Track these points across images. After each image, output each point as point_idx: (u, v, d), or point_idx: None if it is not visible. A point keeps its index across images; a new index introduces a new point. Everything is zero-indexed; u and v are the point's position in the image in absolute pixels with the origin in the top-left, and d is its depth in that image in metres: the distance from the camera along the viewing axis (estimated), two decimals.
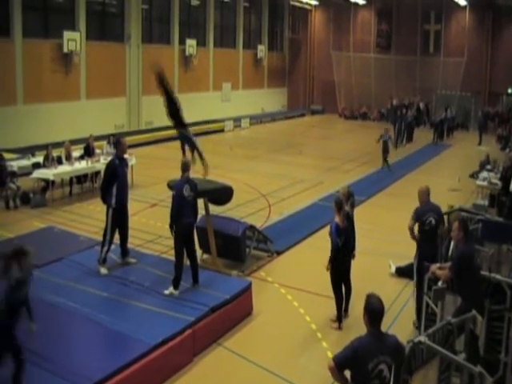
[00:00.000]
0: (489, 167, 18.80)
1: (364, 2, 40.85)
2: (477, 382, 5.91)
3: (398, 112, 31.91)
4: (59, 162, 17.38)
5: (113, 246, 10.57)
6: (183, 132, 12.01)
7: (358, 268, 9.99)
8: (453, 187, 18.21)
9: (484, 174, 17.68)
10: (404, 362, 5.50)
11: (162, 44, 32.13)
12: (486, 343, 7.50)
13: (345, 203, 9.53)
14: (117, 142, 11.26)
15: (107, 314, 8.48)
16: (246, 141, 31.03)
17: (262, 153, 26.14)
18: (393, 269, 11.63)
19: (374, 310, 5.09)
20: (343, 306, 9.48)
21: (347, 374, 5.11)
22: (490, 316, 7.46)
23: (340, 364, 5.03)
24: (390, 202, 17.78)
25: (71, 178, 17.54)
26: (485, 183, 16.70)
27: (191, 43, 33.22)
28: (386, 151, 22.51)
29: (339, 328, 9.24)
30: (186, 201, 9.47)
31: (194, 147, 11.98)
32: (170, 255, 10.67)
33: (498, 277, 7.66)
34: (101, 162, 17.08)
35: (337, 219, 9.16)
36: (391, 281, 11.34)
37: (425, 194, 9.71)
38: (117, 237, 10.66)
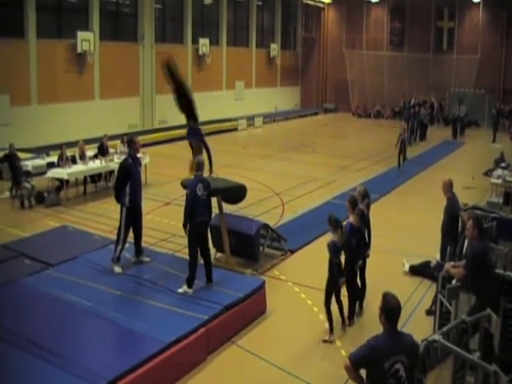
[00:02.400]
0: (503, 165, 18.68)
1: (377, 0, 40.70)
2: (492, 381, 5.88)
3: (411, 110, 31.78)
4: (73, 161, 17.48)
5: (127, 245, 10.62)
6: (193, 126, 11.96)
7: (372, 266, 9.97)
8: (467, 185, 18.10)
9: (498, 171, 17.54)
10: (418, 361, 5.48)
11: (176, 43, 32.16)
12: (501, 342, 7.46)
13: (360, 202, 9.53)
14: (130, 141, 11.26)
15: (121, 312, 8.52)
16: (259, 139, 31.04)
17: (275, 151, 26.12)
18: (406, 267, 11.59)
19: (391, 309, 5.06)
20: (356, 303, 9.49)
21: (363, 373, 5.10)
22: (504, 314, 7.42)
23: (356, 363, 5.01)
24: (404, 200, 17.73)
25: (85, 178, 17.64)
26: (499, 181, 16.57)
27: (204, 42, 33.26)
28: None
29: (349, 325, 9.24)
30: (200, 199, 9.49)
31: (204, 144, 11.93)
32: (184, 254, 10.70)
33: None
34: (114, 162, 17.15)
35: (351, 219, 9.14)
36: (405, 279, 11.30)
37: (448, 186, 10.18)
38: (131, 235, 10.71)
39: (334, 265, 8.87)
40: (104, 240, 12.11)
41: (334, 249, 8.86)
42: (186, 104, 11.86)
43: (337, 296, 9.09)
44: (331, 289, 8.94)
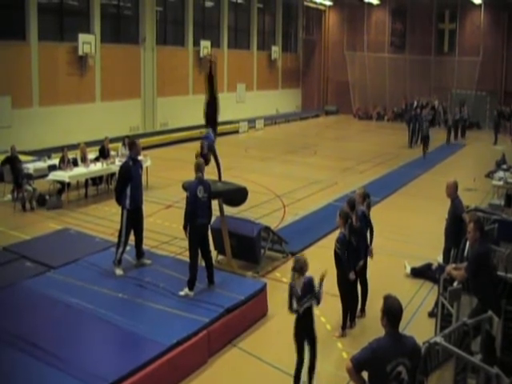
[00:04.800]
0: (505, 167, 18.67)
1: (378, 2, 40.68)
2: None
3: (413, 112, 31.77)
4: (75, 164, 17.48)
5: (128, 248, 10.62)
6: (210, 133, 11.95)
7: (373, 268, 9.97)
8: (468, 187, 18.07)
9: (500, 173, 17.55)
10: (420, 363, 5.47)
11: (177, 46, 32.22)
12: (503, 344, 7.44)
13: (360, 204, 9.53)
14: (131, 143, 11.26)
15: (122, 315, 8.52)
16: (260, 142, 31.03)
17: (276, 154, 26.12)
18: (408, 269, 11.59)
19: (393, 312, 5.05)
20: (359, 305, 9.49)
21: (365, 375, 5.09)
22: (506, 317, 7.40)
23: (358, 365, 5.01)
24: (405, 202, 17.72)
25: (87, 180, 17.65)
26: (501, 183, 16.57)
27: (205, 44, 33.26)
28: None
29: (351, 327, 9.22)
30: (201, 202, 9.50)
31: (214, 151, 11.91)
32: (185, 256, 10.69)
33: None
34: (116, 164, 17.15)
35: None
36: (406, 281, 11.30)
37: (453, 188, 10.04)
38: (132, 238, 10.71)
39: (342, 258, 8.86)
40: (105, 243, 12.12)
41: (342, 242, 8.85)
42: (211, 113, 11.86)
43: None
44: (344, 283, 8.94)
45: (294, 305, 7.29)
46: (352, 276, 8.88)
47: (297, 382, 7.29)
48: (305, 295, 7.27)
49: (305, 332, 7.32)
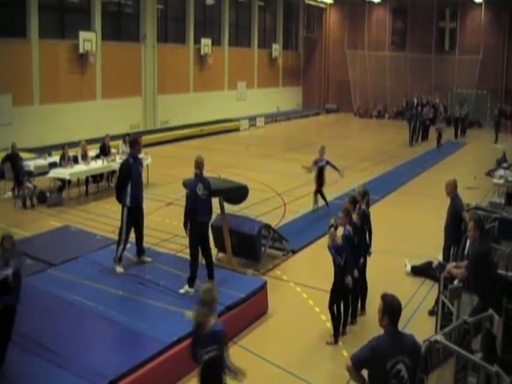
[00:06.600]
0: (505, 165, 18.67)
1: (379, 0, 40.67)
2: (494, 382, 5.86)
3: (413, 110, 31.75)
4: (75, 161, 17.47)
5: (128, 245, 10.63)
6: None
7: (374, 267, 9.97)
8: (469, 185, 18.05)
9: (500, 171, 17.55)
10: (420, 362, 5.47)
11: (178, 43, 32.20)
12: (503, 342, 7.44)
13: (360, 202, 9.52)
14: (133, 141, 11.24)
15: (123, 312, 8.53)
16: (261, 139, 31.01)
17: (277, 151, 26.11)
18: (408, 268, 11.59)
19: (392, 310, 5.05)
20: (359, 303, 9.50)
21: (365, 373, 5.09)
22: (507, 315, 7.40)
23: (358, 363, 5.01)
24: (405, 200, 17.71)
25: (87, 178, 17.64)
26: (501, 181, 16.58)
27: (206, 42, 33.26)
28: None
29: (352, 324, 9.23)
30: (200, 199, 9.49)
31: None
32: (186, 254, 10.69)
33: None
34: (116, 162, 17.13)
35: (353, 217, 9.06)
36: (407, 280, 11.30)
37: (452, 186, 10.11)
38: (133, 235, 10.71)
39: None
40: (106, 240, 12.12)
41: (349, 239, 8.84)
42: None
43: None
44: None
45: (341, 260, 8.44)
46: (355, 274, 8.89)
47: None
48: (345, 248, 8.42)
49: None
